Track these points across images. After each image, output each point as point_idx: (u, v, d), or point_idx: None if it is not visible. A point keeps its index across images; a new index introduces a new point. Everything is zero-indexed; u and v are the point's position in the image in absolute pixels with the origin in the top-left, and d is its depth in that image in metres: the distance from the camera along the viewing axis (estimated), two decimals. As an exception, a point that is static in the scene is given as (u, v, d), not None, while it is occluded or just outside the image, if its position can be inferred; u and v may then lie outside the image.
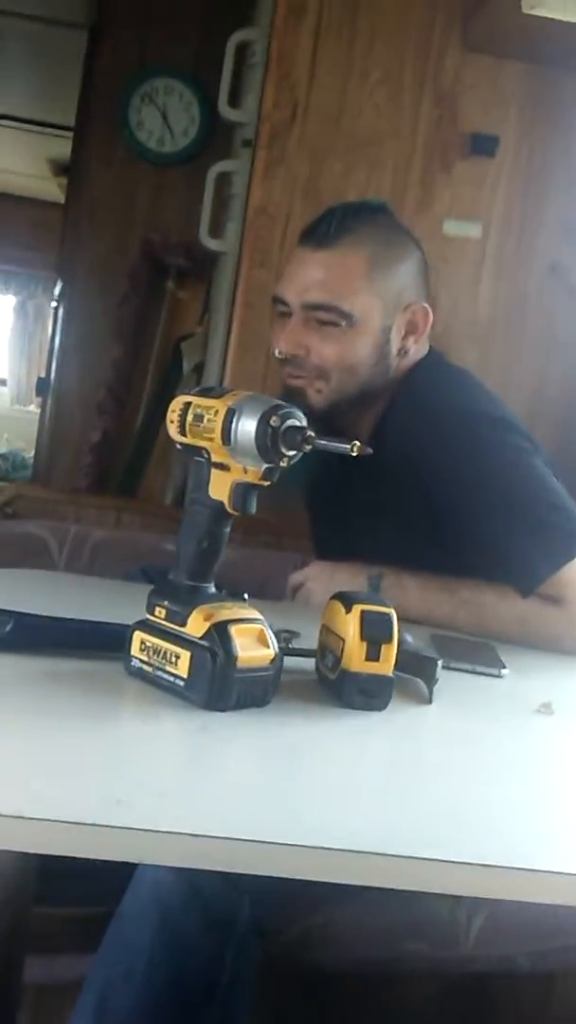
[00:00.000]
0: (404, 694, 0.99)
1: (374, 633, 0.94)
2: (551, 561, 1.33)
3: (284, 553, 1.87)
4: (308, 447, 0.86)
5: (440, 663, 1.03)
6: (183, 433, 0.93)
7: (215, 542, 0.92)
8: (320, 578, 1.40)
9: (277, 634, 0.91)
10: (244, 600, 0.92)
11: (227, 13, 2.55)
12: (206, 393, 0.92)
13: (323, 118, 2.12)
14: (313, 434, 0.86)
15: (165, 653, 0.89)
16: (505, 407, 1.48)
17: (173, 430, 0.94)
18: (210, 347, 2.59)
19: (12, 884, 1.09)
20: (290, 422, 0.86)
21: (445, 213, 2.19)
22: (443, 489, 1.39)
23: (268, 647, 0.89)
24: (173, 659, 0.88)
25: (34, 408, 6.58)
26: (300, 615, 1.21)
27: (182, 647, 0.88)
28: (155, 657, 0.90)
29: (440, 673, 1.03)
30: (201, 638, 0.87)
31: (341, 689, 0.94)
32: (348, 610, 0.95)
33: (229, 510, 0.91)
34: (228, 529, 0.93)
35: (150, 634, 0.91)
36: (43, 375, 3.78)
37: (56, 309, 3.61)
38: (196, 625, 0.88)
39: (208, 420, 0.90)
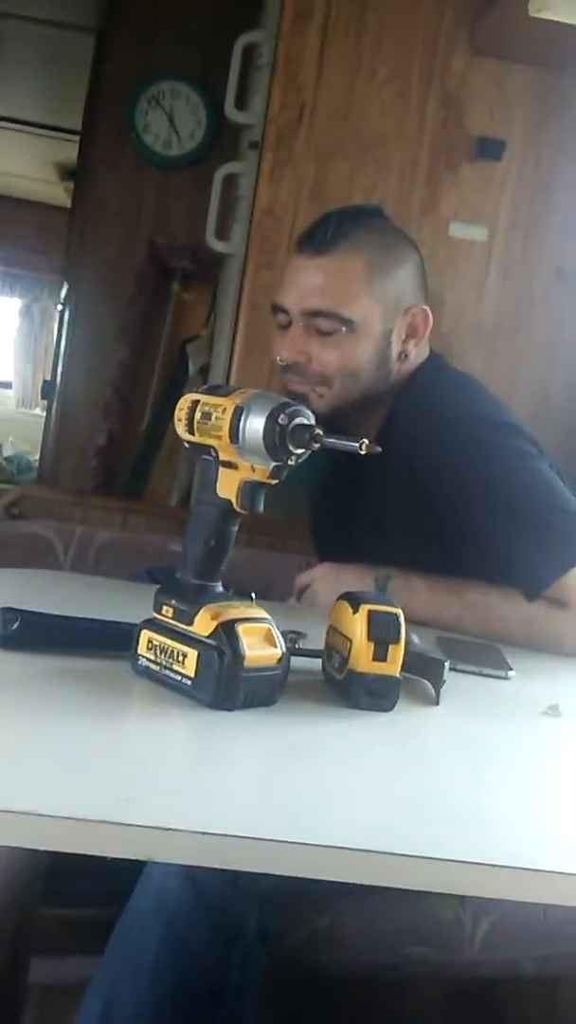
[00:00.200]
0: (411, 695, 0.99)
1: (381, 633, 0.93)
2: (557, 565, 1.32)
3: (289, 555, 1.87)
4: (316, 445, 0.86)
5: (447, 664, 1.03)
6: (191, 431, 0.92)
7: (223, 541, 0.91)
8: (327, 579, 1.39)
9: (284, 635, 0.91)
10: (252, 599, 0.92)
11: (233, 16, 2.55)
12: (214, 391, 0.92)
13: (330, 118, 2.13)
14: (321, 432, 0.86)
15: (172, 652, 0.89)
16: (509, 411, 1.48)
17: (181, 428, 0.93)
18: (216, 349, 2.59)
19: (18, 885, 1.09)
20: (298, 420, 0.86)
21: (451, 216, 2.19)
22: (447, 494, 1.39)
23: (275, 646, 0.89)
24: (180, 658, 0.88)
25: (39, 411, 6.59)
26: (306, 616, 1.21)
27: (189, 646, 0.88)
28: (162, 656, 0.90)
29: (447, 674, 1.02)
30: (208, 637, 0.87)
31: (348, 689, 0.94)
32: (355, 610, 0.94)
33: (237, 509, 0.90)
34: (236, 528, 0.92)
35: (157, 633, 0.91)
36: (48, 378, 3.79)
37: (62, 312, 3.61)
38: (203, 624, 0.88)
39: (216, 418, 0.89)
